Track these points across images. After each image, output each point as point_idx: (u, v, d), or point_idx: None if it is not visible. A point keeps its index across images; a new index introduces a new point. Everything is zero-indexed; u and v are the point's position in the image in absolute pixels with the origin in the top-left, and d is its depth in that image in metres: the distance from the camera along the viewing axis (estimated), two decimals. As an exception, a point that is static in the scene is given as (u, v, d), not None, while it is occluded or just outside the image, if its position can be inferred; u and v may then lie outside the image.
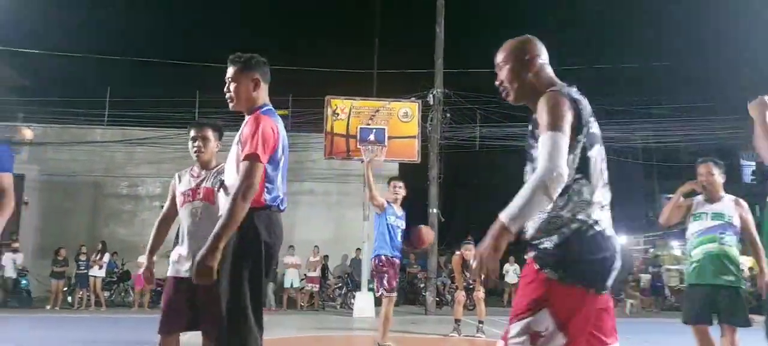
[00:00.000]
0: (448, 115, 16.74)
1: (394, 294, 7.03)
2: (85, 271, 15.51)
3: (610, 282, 2.31)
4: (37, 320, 11.99)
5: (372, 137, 14.57)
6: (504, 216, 2.07)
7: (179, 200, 4.04)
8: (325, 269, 17.72)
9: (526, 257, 2.36)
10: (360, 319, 13.54)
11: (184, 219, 4.00)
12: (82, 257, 15.47)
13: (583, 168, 2.28)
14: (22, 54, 19.78)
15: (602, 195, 2.38)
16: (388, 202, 7.13)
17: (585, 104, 2.36)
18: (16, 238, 16.25)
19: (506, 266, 20.70)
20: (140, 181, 18.85)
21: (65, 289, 15.73)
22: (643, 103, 25.31)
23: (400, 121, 15.25)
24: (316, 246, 17.04)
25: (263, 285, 3.09)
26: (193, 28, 54.57)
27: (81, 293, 15.57)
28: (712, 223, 4.84)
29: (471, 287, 10.08)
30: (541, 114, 2.32)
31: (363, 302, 14.23)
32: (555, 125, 2.20)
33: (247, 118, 3.22)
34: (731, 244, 4.74)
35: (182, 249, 3.93)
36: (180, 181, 4.14)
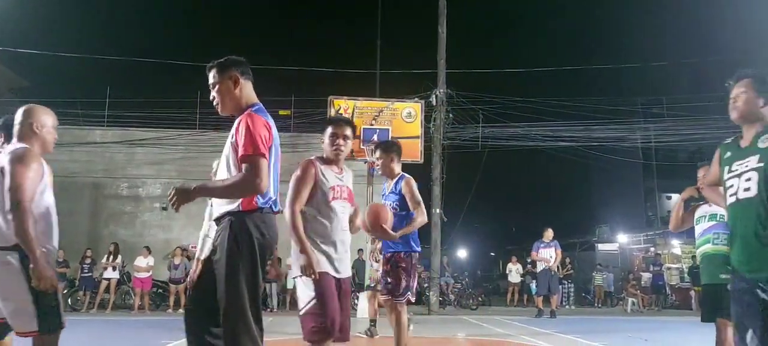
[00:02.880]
0: (451, 115, 16.74)
1: (399, 299, 5.35)
2: (90, 273, 15.53)
3: None
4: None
5: (375, 138, 14.57)
6: None
7: (329, 193, 3.89)
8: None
9: None
10: (363, 320, 13.50)
11: (334, 214, 3.89)
12: (87, 260, 15.49)
13: None
14: (22, 55, 19.76)
15: None
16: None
17: None
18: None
19: (509, 266, 20.71)
20: (141, 182, 18.83)
21: (65, 291, 15.71)
22: (644, 103, 25.32)
23: (403, 122, 15.26)
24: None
25: (260, 285, 3.07)
26: (194, 29, 54.60)
27: (84, 295, 15.61)
28: (709, 224, 4.98)
29: (373, 285, 9.46)
30: None
31: (366, 302, 14.20)
32: None
33: (238, 118, 3.16)
34: (724, 242, 4.73)
35: (330, 249, 3.86)
36: (324, 175, 3.93)
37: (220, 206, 3.15)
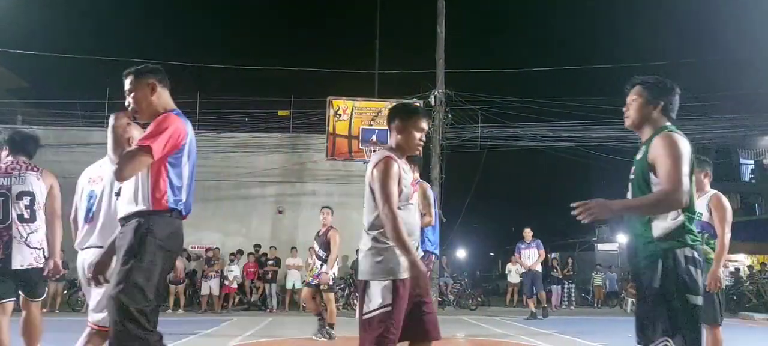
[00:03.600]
0: (450, 115, 16.75)
1: None
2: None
3: None
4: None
5: (374, 138, 14.59)
6: None
7: (410, 191, 3.59)
8: (327, 270, 17.69)
9: None
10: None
11: (413, 214, 3.70)
12: (86, 261, 15.51)
13: None
14: (22, 56, 19.77)
15: None
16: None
17: None
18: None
19: (508, 266, 20.70)
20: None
21: (65, 292, 15.75)
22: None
23: (401, 122, 15.25)
24: (312, 247, 17.01)
25: (159, 288, 3.05)
26: (193, 30, 54.61)
27: (83, 295, 15.64)
28: None
29: (314, 283, 9.08)
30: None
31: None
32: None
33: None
34: (700, 242, 4.72)
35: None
36: (404, 170, 3.53)
37: (126, 204, 3.13)
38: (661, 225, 3.06)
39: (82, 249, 3.92)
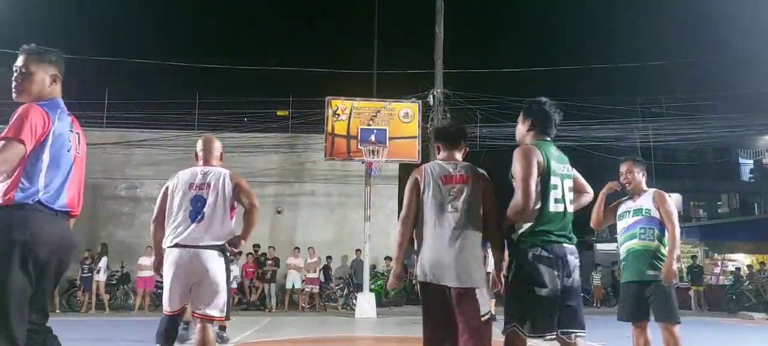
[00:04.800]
0: (449, 115, 16.75)
1: None
2: (89, 274, 15.57)
3: None
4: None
5: (373, 138, 14.58)
6: None
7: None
8: (327, 270, 17.71)
9: None
10: (362, 320, 13.54)
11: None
12: (87, 261, 15.52)
13: None
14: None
15: None
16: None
17: None
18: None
19: (506, 266, 20.68)
20: (139, 183, 18.83)
21: (64, 292, 15.75)
22: (642, 103, 25.35)
23: (400, 122, 15.25)
24: (310, 247, 17.04)
25: (20, 288, 2.85)
26: (193, 30, 54.59)
27: (83, 295, 15.68)
28: (633, 219, 4.96)
29: None
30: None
31: (365, 302, 14.23)
32: None
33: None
34: (652, 238, 4.83)
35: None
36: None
37: None
38: (519, 229, 3.48)
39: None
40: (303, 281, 16.72)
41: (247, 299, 16.99)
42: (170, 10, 57.94)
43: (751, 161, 35.82)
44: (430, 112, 16.36)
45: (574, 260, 3.54)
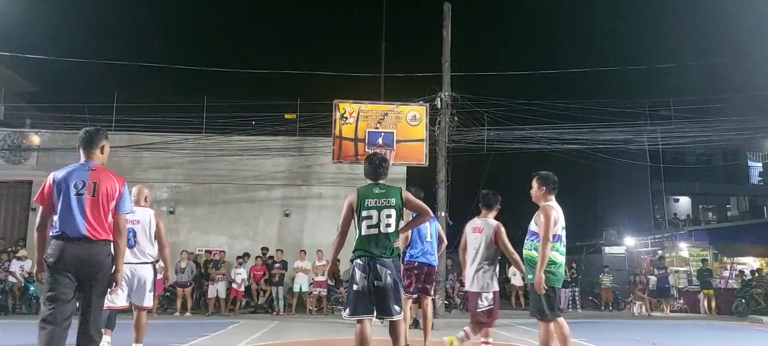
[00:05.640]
0: (456, 118, 16.73)
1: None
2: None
3: None
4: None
5: (380, 141, 14.59)
6: None
7: None
8: (336, 273, 17.69)
9: None
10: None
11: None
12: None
13: None
14: (30, 60, 19.89)
15: None
16: None
17: None
18: (24, 245, 16.34)
19: (512, 269, 20.65)
20: (148, 186, 18.81)
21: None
22: (651, 105, 25.24)
23: (408, 125, 15.26)
24: (319, 250, 17.05)
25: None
26: (201, 34, 54.76)
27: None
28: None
29: None
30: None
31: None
32: None
33: None
34: (529, 248, 5.74)
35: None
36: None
37: None
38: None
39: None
40: (311, 283, 16.73)
41: (254, 302, 17.02)
42: (179, 14, 58.17)
43: (761, 164, 35.62)
44: (438, 115, 16.34)
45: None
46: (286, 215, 19.03)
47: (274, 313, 16.17)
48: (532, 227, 5.72)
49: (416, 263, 7.36)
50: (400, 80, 20.07)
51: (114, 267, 4.31)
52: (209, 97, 19.65)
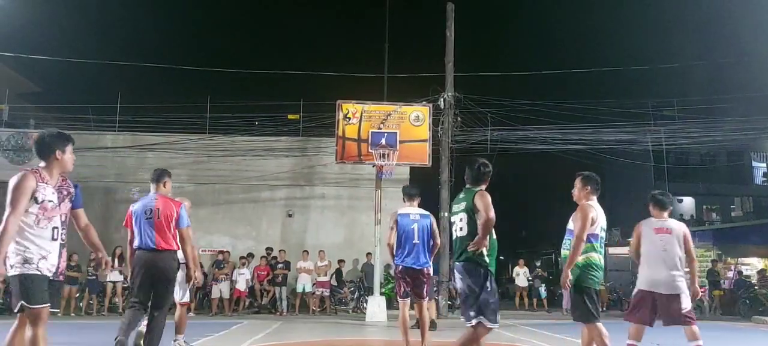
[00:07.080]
0: (459, 118, 16.73)
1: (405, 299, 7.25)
2: (94, 277, 15.67)
3: None
4: (50, 326, 12.01)
5: (383, 141, 14.57)
6: None
7: None
8: (339, 273, 17.73)
9: None
10: (372, 323, 13.53)
11: None
12: (92, 263, 15.59)
13: None
14: (34, 61, 19.96)
15: None
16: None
17: None
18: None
19: (516, 269, 20.64)
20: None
21: (77, 295, 15.85)
22: (654, 105, 25.21)
23: (411, 125, 15.25)
24: (321, 250, 17.05)
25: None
26: (205, 34, 54.81)
27: (90, 298, 15.79)
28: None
29: None
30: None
31: (375, 306, 14.21)
32: None
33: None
34: (567, 247, 5.60)
35: None
36: None
37: None
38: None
39: None
40: (314, 284, 16.73)
41: (258, 302, 17.04)
42: (182, 15, 58.25)
43: (765, 164, 35.50)
44: (441, 116, 16.33)
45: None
46: (290, 216, 19.06)
47: (278, 313, 16.18)
48: (570, 225, 5.69)
49: (400, 268, 7.04)
50: (403, 81, 20.09)
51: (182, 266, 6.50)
52: (212, 98, 19.70)
